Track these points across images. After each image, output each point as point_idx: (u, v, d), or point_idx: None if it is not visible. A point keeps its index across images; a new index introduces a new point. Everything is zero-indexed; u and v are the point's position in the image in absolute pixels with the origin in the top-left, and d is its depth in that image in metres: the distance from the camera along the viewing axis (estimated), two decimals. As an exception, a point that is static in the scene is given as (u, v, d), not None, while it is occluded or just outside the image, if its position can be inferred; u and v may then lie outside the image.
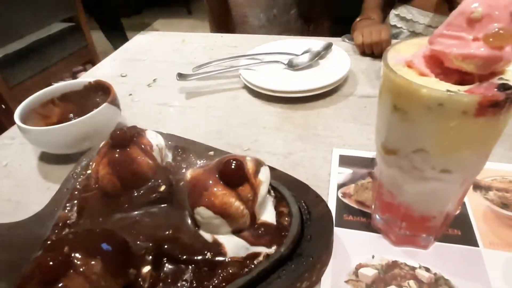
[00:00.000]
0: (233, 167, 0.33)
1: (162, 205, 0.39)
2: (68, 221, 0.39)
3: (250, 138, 0.59)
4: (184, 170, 0.43)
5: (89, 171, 0.45)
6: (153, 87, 0.77)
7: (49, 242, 0.30)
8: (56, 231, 0.37)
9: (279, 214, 0.38)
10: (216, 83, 0.75)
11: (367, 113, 0.62)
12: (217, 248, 0.34)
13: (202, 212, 0.33)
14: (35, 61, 1.95)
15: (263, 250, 0.34)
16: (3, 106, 1.62)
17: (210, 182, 0.34)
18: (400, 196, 0.35)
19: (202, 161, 0.45)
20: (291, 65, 0.73)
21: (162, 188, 0.39)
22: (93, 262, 0.27)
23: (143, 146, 0.40)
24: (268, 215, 0.38)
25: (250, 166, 0.36)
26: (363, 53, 0.80)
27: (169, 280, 0.32)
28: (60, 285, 0.25)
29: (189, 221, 0.37)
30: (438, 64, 0.29)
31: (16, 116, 0.54)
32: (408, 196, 0.35)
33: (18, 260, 0.36)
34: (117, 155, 0.38)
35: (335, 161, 0.52)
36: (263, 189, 0.36)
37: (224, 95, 0.71)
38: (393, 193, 0.36)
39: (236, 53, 0.82)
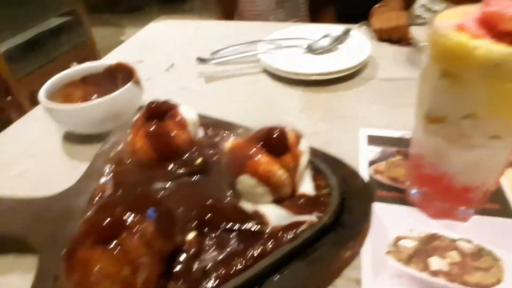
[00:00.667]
0: (276, 135, 0.33)
1: (198, 178, 0.38)
2: (104, 194, 0.38)
3: (274, 120, 0.58)
4: (217, 145, 0.42)
5: (120, 147, 0.44)
6: (171, 72, 0.77)
7: (99, 205, 0.30)
8: (94, 202, 0.37)
9: (316, 187, 0.38)
10: (235, 68, 0.75)
11: (390, 95, 0.62)
12: (259, 217, 0.34)
13: (245, 180, 0.33)
14: (39, 54, 1.95)
15: (305, 219, 0.34)
16: (9, 97, 1.62)
17: (253, 150, 0.33)
18: (443, 166, 0.35)
19: (233, 137, 0.45)
20: (310, 50, 0.73)
21: (199, 160, 0.39)
22: (145, 224, 0.27)
23: (178, 119, 0.39)
24: (307, 187, 0.38)
25: (291, 136, 0.35)
26: (381, 39, 0.80)
27: (213, 248, 0.32)
28: (115, 244, 0.25)
29: (229, 193, 0.36)
30: (491, 28, 0.29)
31: (41, 95, 0.54)
32: (452, 166, 0.34)
33: (55, 232, 0.36)
34: (153, 128, 0.38)
35: (363, 140, 0.52)
36: (303, 159, 0.36)
37: (243, 80, 0.71)
38: (435, 164, 0.36)
39: (251, 39, 0.82)
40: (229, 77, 0.72)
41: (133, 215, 0.26)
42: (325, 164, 0.40)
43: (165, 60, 0.81)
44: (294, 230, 0.33)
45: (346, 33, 0.75)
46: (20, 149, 0.56)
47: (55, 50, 2.00)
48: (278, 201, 0.35)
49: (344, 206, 0.36)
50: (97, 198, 0.38)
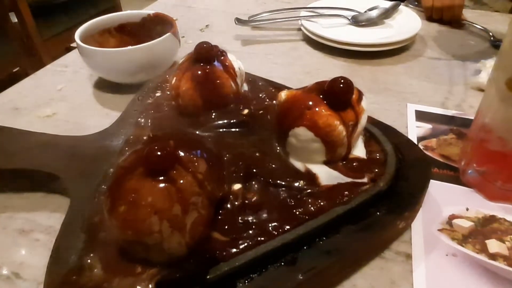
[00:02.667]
0: (342, 86, 0.30)
1: (244, 130, 0.36)
2: (143, 138, 0.36)
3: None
4: (264, 100, 0.40)
5: (158, 94, 0.42)
6: (206, 32, 0.74)
7: (145, 139, 0.27)
8: (131, 142, 0.35)
9: (369, 153, 0.35)
10: (273, 34, 0.71)
11: (441, 74, 0.58)
12: (311, 177, 0.31)
13: (301, 133, 0.30)
14: (66, 17, 1.92)
15: (360, 181, 0.31)
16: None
17: (313, 101, 0.30)
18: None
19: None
20: (356, 21, 0.68)
21: (246, 111, 0.36)
22: (200, 162, 0.24)
23: (227, 66, 0.36)
24: (359, 151, 0.35)
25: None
26: (430, 18, 0.75)
27: (259, 203, 0.30)
28: (168, 179, 0.22)
29: (277, 148, 0.34)
30: None
31: (77, 37, 0.52)
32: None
33: (88, 171, 0.34)
34: (202, 71, 0.35)
35: (411, 115, 0.49)
36: (364, 118, 0.33)
37: (283, 45, 0.68)
38: (507, 140, 0.33)
39: (293, 6, 0.78)
40: (267, 42, 0.69)
41: (186, 151, 0.24)
42: (379, 131, 0.37)
43: (200, 20, 0.78)
44: (348, 192, 0.30)
45: (395, 7, 0.71)
46: (49, 93, 0.54)
47: (82, 14, 1.98)
48: (331, 162, 0.33)
49: (399, 174, 0.34)
50: (134, 140, 0.36)
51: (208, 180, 0.25)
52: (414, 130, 0.46)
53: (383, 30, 0.67)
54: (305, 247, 0.28)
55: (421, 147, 0.43)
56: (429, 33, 0.70)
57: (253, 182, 0.31)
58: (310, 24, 0.67)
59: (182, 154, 0.24)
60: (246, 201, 0.29)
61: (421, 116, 0.49)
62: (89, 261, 0.26)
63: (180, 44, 0.57)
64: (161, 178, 0.23)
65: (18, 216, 0.36)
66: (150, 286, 0.23)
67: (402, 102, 0.51)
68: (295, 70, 0.60)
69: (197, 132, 0.35)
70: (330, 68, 0.60)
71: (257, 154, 0.33)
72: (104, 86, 0.56)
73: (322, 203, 0.30)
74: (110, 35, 0.59)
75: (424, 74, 0.58)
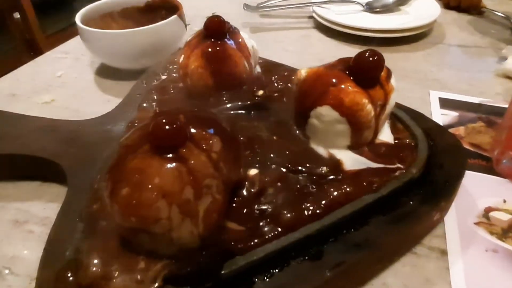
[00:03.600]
0: (371, 59, 0.26)
1: (258, 112, 0.33)
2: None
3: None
4: (278, 82, 0.36)
5: (164, 77, 0.39)
6: (212, 20, 0.70)
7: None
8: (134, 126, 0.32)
9: (396, 138, 0.32)
10: (283, 21, 0.68)
11: (463, 61, 0.55)
12: (335, 163, 0.28)
13: (325, 112, 0.27)
14: (69, 13, 1.89)
15: (390, 167, 0.28)
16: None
17: (337, 78, 0.27)
18: None
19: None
20: (370, 7, 0.65)
21: (260, 92, 0.33)
22: (215, 140, 0.21)
23: (240, 43, 0.33)
24: (386, 136, 0.32)
25: (382, 68, 0.29)
26: (447, 6, 0.71)
27: (278, 190, 0.26)
28: (178, 157, 0.19)
29: (296, 131, 0.30)
30: None
31: (78, 19, 0.49)
32: None
33: (88, 157, 0.31)
34: (212, 47, 0.32)
35: (435, 103, 0.45)
36: (393, 98, 0.29)
37: (294, 33, 0.64)
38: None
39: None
40: (277, 30, 0.65)
41: (199, 127, 0.21)
42: (407, 115, 0.34)
43: (204, 7, 0.75)
44: (378, 179, 0.27)
45: (411, -7, 0.67)
46: (48, 80, 0.51)
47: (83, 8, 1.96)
48: (355, 147, 0.29)
49: (432, 161, 0.30)
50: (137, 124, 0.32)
51: (223, 161, 0.21)
52: (439, 118, 0.43)
53: (400, 17, 0.64)
54: (331, 240, 0.25)
55: (448, 136, 0.40)
56: (447, 20, 0.67)
57: (271, 167, 0.28)
58: (322, 10, 0.64)
59: (193, 130, 0.21)
60: (263, 188, 0.26)
61: (446, 103, 0.45)
62: (86, 254, 0.23)
63: (186, 28, 0.53)
64: (170, 156, 0.19)
65: (12, 206, 0.33)
66: (157, 282, 0.20)
67: (424, 90, 0.48)
68: (308, 58, 0.56)
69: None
70: (345, 56, 0.57)
71: (274, 138, 0.30)
72: (105, 72, 0.53)
73: (348, 190, 0.26)
74: (113, 20, 0.56)
75: (444, 61, 0.55)
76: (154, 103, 0.34)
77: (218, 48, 0.32)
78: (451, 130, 0.41)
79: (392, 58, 0.56)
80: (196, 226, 0.20)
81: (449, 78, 0.50)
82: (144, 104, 0.34)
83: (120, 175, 0.20)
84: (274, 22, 0.68)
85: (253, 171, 0.26)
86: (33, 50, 1.67)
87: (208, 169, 0.20)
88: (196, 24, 0.68)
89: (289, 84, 0.36)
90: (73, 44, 0.61)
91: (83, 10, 0.51)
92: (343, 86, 0.27)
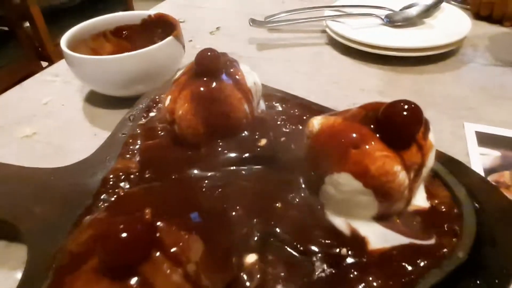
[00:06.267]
0: (406, 113, 0.20)
1: (259, 167, 0.27)
2: (126, 175, 0.27)
3: (347, 100, 0.45)
4: (286, 123, 0.30)
5: (153, 113, 0.33)
6: (216, 35, 0.65)
7: (113, 199, 0.19)
8: (111, 183, 0.26)
9: (432, 197, 0.26)
10: (293, 37, 0.62)
11: (501, 84, 0.48)
12: (357, 240, 0.22)
13: (344, 181, 0.21)
14: (77, 21, 1.88)
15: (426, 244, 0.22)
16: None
17: (360, 136, 0.21)
18: None
19: (307, 116, 0.32)
20: (391, 21, 0.58)
21: (263, 142, 0.27)
22: (191, 242, 0.15)
23: (238, 81, 0.27)
24: (419, 198, 0.25)
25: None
26: (477, 16, 0.64)
27: (284, 278, 0.20)
28: (138, 274, 0.14)
29: (307, 195, 0.24)
30: None
31: (63, 43, 0.44)
32: None
33: (56, 217, 0.26)
34: (204, 88, 0.26)
35: (472, 139, 0.39)
36: (431, 157, 0.23)
37: (305, 50, 0.58)
38: None
39: (315, 5, 0.68)
40: (287, 46, 0.60)
41: (170, 225, 0.15)
42: (444, 168, 0.28)
43: (210, 21, 0.70)
44: (412, 268, 0.21)
45: (437, 4, 0.60)
46: (33, 108, 0.47)
47: (93, 17, 1.94)
48: (382, 218, 0.23)
49: (480, 236, 0.24)
50: (115, 177, 0.27)
51: (206, 269, 0.15)
52: (478, 159, 0.36)
53: (424, 32, 0.57)
54: None
55: (491, 184, 0.33)
56: (477, 35, 0.60)
57: (274, 248, 0.22)
58: (336, 25, 0.58)
59: (163, 231, 0.15)
60: (265, 279, 0.20)
61: (485, 139, 0.38)
62: None
63: (184, 49, 0.48)
64: (126, 276, 0.14)
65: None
66: None
67: (456, 121, 0.41)
68: (321, 80, 0.50)
69: (199, 171, 0.26)
70: (363, 78, 0.50)
71: (278, 205, 0.24)
72: (95, 99, 0.47)
73: (375, 285, 0.20)
74: (106, 39, 0.51)
75: (479, 85, 0.48)
76: (136, 152, 0.29)
77: (211, 89, 0.26)
78: (494, 176, 0.34)
79: (417, 80, 0.49)
80: None
81: (487, 106, 0.43)
82: (126, 153, 0.29)
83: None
84: (284, 37, 0.62)
85: (251, 258, 0.21)
86: (43, 59, 1.66)
87: (182, 290, 0.14)
88: (198, 41, 0.63)
89: (299, 126, 0.30)
90: (65, 65, 0.56)
91: (71, 31, 0.46)
92: (368, 148, 0.21)
